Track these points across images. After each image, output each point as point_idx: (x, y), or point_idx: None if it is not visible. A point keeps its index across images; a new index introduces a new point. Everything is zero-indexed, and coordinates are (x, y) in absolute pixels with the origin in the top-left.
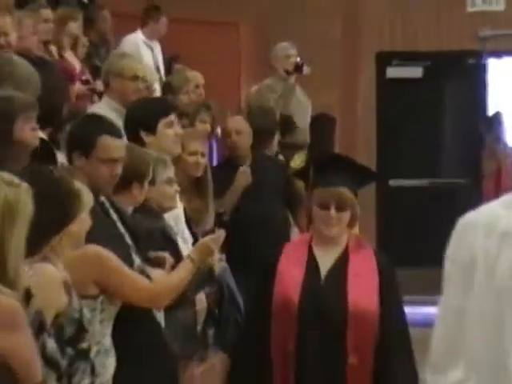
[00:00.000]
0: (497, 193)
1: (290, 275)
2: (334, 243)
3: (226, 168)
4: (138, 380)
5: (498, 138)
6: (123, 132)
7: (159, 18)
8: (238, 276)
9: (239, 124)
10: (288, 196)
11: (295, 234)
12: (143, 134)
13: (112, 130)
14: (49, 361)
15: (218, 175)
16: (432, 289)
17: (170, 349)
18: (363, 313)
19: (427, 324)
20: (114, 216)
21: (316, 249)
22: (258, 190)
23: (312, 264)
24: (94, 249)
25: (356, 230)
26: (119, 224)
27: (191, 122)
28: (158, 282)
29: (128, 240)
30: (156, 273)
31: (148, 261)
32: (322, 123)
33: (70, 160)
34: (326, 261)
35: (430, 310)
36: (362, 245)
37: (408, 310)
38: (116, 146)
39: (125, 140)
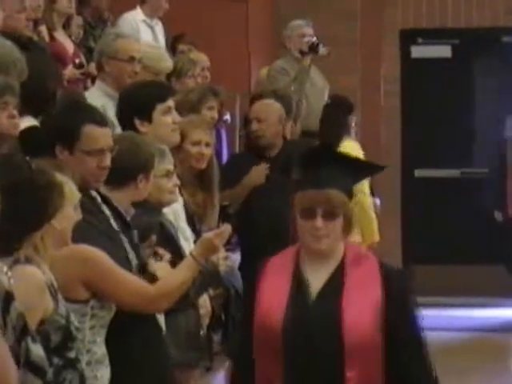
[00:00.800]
0: None
1: (273, 297)
2: (325, 257)
3: (247, 159)
4: None
5: None
6: (110, 119)
7: None
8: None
9: (260, 111)
10: None
11: None
12: (138, 123)
13: (95, 118)
14: (34, 367)
15: (237, 166)
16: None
17: (169, 359)
18: (362, 342)
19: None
20: (107, 212)
21: (304, 265)
22: (274, 185)
23: (300, 283)
24: (83, 248)
25: (375, 235)
26: (112, 220)
27: (197, 109)
28: (157, 284)
29: (123, 237)
30: (159, 266)
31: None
32: (334, 107)
33: (53, 155)
34: (316, 278)
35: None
36: (363, 255)
37: (429, 312)
38: (102, 134)
39: (110, 129)
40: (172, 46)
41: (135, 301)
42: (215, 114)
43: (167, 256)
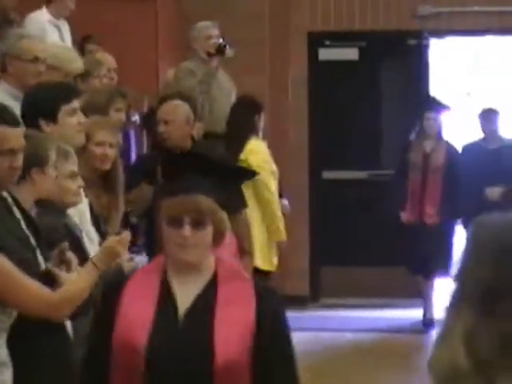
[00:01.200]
0: (423, 190)
1: (135, 313)
2: (194, 270)
3: (154, 159)
4: None
5: (430, 125)
6: (20, 119)
7: None
8: None
9: (167, 112)
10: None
11: (228, 242)
12: (43, 123)
13: (6, 118)
14: None
15: (144, 166)
16: (363, 289)
17: (75, 366)
18: (233, 362)
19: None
20: (18, 214)
21: (172, 278)
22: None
23: (167, 298)
24: None
25: (280, 234)
26: (23, 223)
27: (105, 111)
28: (59, 291)
29: (32, 241)
30: (66, 275)
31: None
32: (241, 108)
33: None
34: (185, 293)
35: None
36: (235, 271)
37: (342, 313)
38: (13, 135)
39: (22, 128)
40: (80, 47)
41: (37, 307)
42: (123, 116)
43: (75, 261)
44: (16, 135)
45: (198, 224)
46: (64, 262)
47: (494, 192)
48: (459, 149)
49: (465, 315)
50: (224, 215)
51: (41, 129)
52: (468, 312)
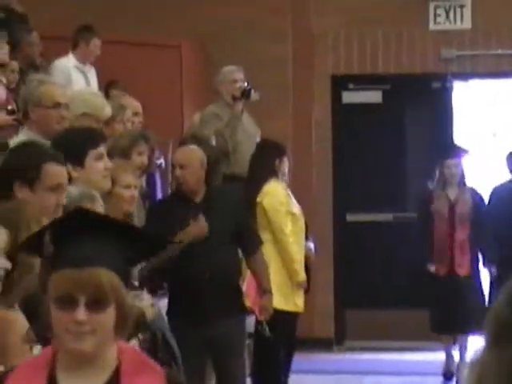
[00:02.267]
0: (451, 240)
1: None
2: (92, 364)
3: (172, 203)
4: None
5: (452, 173)
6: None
7: (90, 40)
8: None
9: (183, 157)
10: (244, 239)
11: (248, 281)
12: (70, 168)
13: (54, 156)
14: None
15: (164, 209)
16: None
17: None
18: None
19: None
20: None
21: (62, 374)
22: (215, 231)
23: None
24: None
25: (298, 275)
26: None
27: (128, 154)
28: None
29: None
30: None
31: None
32: (261, 151)
33: (7, 195)
34: None
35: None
36: (144, 363)
37: (366, 356)
38: (60, 172)
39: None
40: (105, 92)
41: None
42: (145, 159)
43: None
44: (62, 173)
45: (95, 304)
46: None
47: None
48: (488, 191)
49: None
50: (128, 294)
51: (68, 173)
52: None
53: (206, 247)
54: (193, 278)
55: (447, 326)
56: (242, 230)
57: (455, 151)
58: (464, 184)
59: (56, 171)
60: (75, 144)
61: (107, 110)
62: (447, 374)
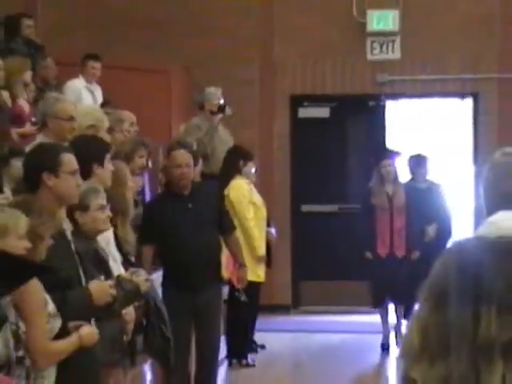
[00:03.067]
0: (391, 227)
1: None
2: None
3: (166, 197)
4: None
5: (387, 171)
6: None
7: (95, 64)
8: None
9: (186, 157)
10: (221, 223)
11: (225, 256)
12: (95, 167)
13: (66, 148)
14: None
15: (160, 203)
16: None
17: (94, 356)
18: None
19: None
20: (69, 237)
21: None
22: (199, 217)
23: None
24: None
25: (257, 251)
26: (72, 244)
27: (131, 157)
28: (49, 345)
29: (77, 260)
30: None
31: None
32: (229, 155)
33: (35, 185)
34: None
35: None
36: None
37: (316, 318)
38: (73, 159)
39: None
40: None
41: (32, 341)
42: (144, 161)
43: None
44: (74, 159)
45: None
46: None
47: (430, 230)
48: None
49: (426, 307)
50: None
51: (92, 171)
52: (429, 305)
53: (194, 229)
54: (183, 254)
55: (385, 298)
56: (220, 216)
57: (388, 154)
58: (398, 180)
59: (71, 159)
60: (98, 148)
61: (106, 122)
62: (385, 345)
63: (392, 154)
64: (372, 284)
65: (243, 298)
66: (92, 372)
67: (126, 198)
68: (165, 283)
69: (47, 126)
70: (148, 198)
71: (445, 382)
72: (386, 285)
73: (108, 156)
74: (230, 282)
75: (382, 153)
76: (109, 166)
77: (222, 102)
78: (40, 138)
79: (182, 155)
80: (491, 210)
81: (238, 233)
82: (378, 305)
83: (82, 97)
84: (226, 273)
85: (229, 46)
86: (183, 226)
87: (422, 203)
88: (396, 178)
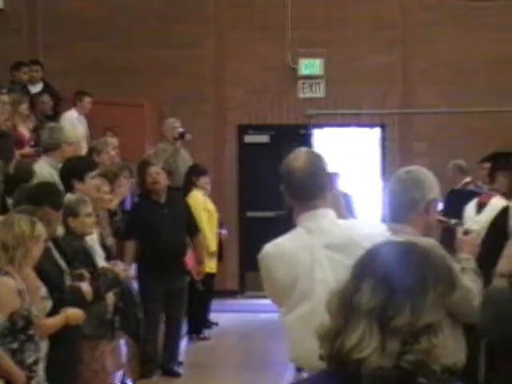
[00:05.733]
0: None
1: None
2: None
3: (146, 204)
4: (58, 354)
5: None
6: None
7: (84, 98)
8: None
9: (158, 169)
10: (189, 227)
11: (190, 254)
12: (76, 183)
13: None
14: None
15: (141, 209)
16: None
17: (80, 332)
18: None
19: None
20: (50, 244)
21: None
22: (173, 221)
23: None
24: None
25: (208, 247)
26: (54, 251)
27: (117, 177)
28: (42, 320)
29: (62, 263)
30: (84, 285)
31: (74, 276)
32: (188, 172)
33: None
34: None
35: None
36: None
37: (258, 301)
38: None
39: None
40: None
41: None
42: (130, 182)
43: (88, 275)
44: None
45: None
46: (80, 278)
47: None
48: None
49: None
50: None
51: (74, 187)
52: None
53: (169, 230)
54: (160, 249)
55: None
56: (188, 222)
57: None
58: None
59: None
60: (80, 167)
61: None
62: None
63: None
64: None
65: (200, 287)
66: (77, 344)
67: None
68: (142, 273)
69: (55, 150)
70: (128, 207)
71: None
72: None
73: (90, 174)
74: (190, 274)
75: None
76: (91, 181)
77: (181, 130)
78: (44, 159)
79: (155, 166)
80: (397, 214)
81: None
82: None
83: (76, 125)
84: (187, 267)
85: (190, 87)
86: (160, 227)
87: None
88: None
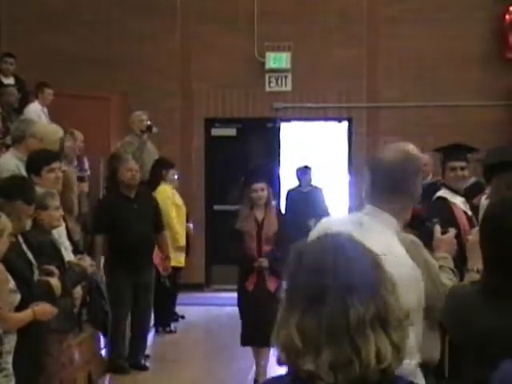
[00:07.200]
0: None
1: None
2: None
3: (116, 198)
4: (25, 347)
5: (258, 196)
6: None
7: (45, 90)
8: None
9: (136, 165)
10: (155, 222)
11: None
12: (33, 176)
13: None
14: None
15: (110, 203)
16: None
17: (47, 327)
18: None
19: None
20: (20, 239)
21: None
22: (142, 216)
23: None
24: None
25: (177, 240)
26: (24, 246)
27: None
28: (9, 314)
29: (31, 257)
30: (53, 279)
31: (42, 271)
32: (155, 165)
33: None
34: None
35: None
36: None
37: (224, 294)
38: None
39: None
40: None
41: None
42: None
43: (56, 271)
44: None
45: None
46: (49, 274)
47: (311, 223)
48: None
49: (295, 311)
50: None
51: (32, 180)
52: (298, 308)
53: (138, 225)
54: (129, 243)
55: (252, 338)
56: (154, 217)
57: (260, 176)
58: (270, 205)
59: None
60: (35, 161)
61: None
62: (256, 382)
63: (268, 178)
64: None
65: (167, 283)
66: (44, 338)
67: (71, 200)
68: (110, 267)
69: (21, 142)
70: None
71: None
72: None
73: (47, 167)
74: (156, 269)
75: (255, 175)
76: (47, 175)
77: (148, 123)
78: (11, 152)
79: (132, 161)
80: (376, 200)
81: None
82: (244, 343)
83: (41, 117)
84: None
85: (157, 80)
86: (129, 222)
87: (305, 203)
88: (267, 203)
